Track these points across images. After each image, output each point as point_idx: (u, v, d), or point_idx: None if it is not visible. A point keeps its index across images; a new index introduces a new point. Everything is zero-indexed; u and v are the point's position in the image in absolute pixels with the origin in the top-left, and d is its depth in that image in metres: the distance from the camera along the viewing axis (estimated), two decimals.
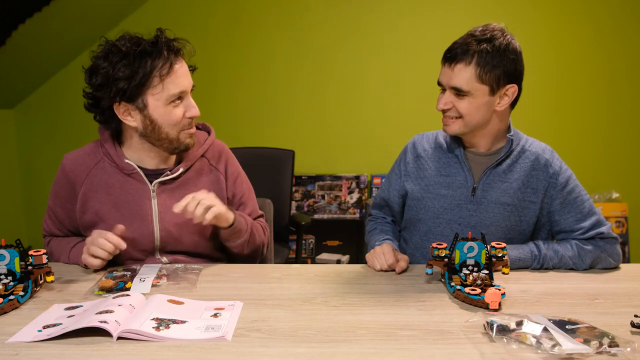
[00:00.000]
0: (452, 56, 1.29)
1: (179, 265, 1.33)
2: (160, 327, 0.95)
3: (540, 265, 1.33)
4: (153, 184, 1.36)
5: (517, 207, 1.38)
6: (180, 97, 1.29)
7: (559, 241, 1.39)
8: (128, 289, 1.16)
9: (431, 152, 1.48)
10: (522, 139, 1.42)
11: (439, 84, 1.34)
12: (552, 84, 3.20)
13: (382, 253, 1.33)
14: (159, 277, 1.24)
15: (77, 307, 1.07)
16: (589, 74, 3.21)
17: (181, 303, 1.08)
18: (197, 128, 1.45)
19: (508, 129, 1.40)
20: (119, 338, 0.91)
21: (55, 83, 3.30)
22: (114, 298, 1.05)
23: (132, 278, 1.22)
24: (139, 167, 1.35)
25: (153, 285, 1.19)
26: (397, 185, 1.53)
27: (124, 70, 1.23)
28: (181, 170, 1.37)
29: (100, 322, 0.92)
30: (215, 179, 1.44)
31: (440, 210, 1.43)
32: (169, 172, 1.36)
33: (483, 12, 3.15)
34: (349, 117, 3.31)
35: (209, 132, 1.49)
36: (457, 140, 1.43)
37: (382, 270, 1.31)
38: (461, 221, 1.40)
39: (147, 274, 1.25)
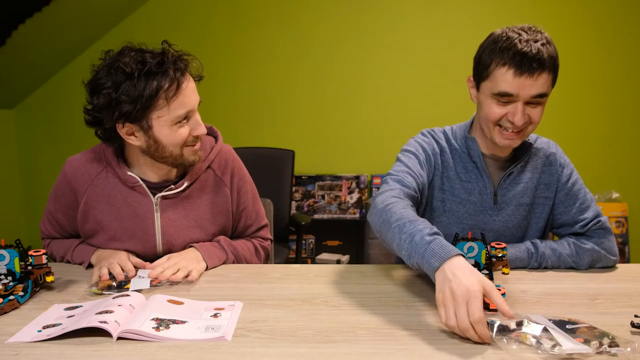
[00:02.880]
0: (537, 66, 1.22)
1: None
2: (160, 327, 0.95)
3: (538, 263, 1.32)
4: (156, 197, 1.33)
5: (534, 205, 1.39)
6: (186, 116, 1.24)
7: (557, 240, 1.39)
8: (127, 289, 1.16)
9: (449, 152, 1.41)
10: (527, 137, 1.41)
11: (504, 94, 1.21)
12: None
13: (477, 321, 0.87)
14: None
15: (77, 307, 1.07)
16: (589, 74, 3.21)
17: (181, 303, 1.08)
18: None
19: None
20: (119, 338, 0.91)
21: (55, 83, 3.30)
22: (113, 298, 1.05)
23: (130, 280, 1.22)
24: (142, 179, 1.32)
25: (153, 285, 1.19)
26: (419, 170, 1.35)
27: (128, 93, 1.16)
28: (185, 184, 1.34)
29: (100, 322, 0.92)
30: (220, 193, 1.41)
31: (465, 216, 1.39)
32: (172, 187, 1.33)
33: (483, 12, 3.16)
34: (349, 117, 3.31)
35: (215, 138, 1.44)
36: (473, 146, 1.37)
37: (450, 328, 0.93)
38: (485, 227, 1.39)
39: (146, 272, 1.25)
